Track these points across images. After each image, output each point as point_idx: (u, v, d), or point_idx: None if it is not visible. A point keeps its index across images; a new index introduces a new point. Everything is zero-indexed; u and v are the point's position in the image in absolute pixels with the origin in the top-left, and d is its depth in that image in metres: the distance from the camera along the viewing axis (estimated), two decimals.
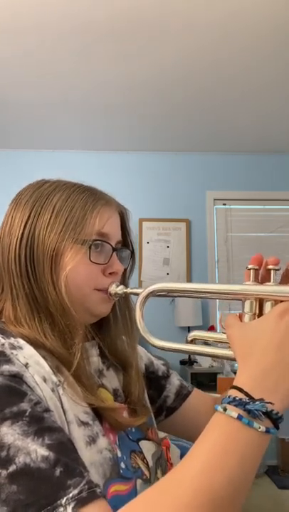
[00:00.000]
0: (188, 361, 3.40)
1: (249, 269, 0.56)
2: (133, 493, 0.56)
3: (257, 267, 0.56)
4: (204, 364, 3.32)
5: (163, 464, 0.70)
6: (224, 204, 3.88)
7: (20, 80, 2.77)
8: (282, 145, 3.77)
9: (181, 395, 0.81)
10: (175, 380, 0.82)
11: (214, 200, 3.86)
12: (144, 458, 0.64)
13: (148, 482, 0.61)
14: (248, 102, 3.06)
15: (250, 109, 3.17)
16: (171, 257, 3.76)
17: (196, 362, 3.41)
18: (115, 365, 0.72)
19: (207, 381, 3.38)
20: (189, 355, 3.30)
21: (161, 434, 0.84)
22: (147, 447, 0.66)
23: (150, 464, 0.65)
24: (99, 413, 0.59)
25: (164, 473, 0.68)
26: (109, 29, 2.29)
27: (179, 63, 2.60)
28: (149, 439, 0.68)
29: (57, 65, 2.60)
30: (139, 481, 0.59)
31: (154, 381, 0.81)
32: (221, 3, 2.10)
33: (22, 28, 2.27)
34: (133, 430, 0.66)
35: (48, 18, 2.20)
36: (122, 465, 0.58)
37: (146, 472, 0.62)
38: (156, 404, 0.80)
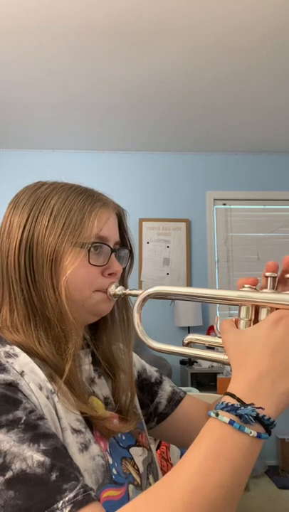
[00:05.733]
0: (188, 361, 3.40)
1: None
2: (125, 499, 0.57)
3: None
4: (204, 364, 3.32)
5: (154, 470, 0.70)
6: (224, 204, 3.88)
7: (21, 79, 2.77)
8: (282, 145, 3.77)
9: (173, 401, 0.81)
10: (167, 387, 0.83)
11: (214, 200, 3.86)
12: (135, 464, 0.65)
13: (139, 488, 0.62)
14: (248, 102, 3.06)
15: (250, 109, 3.17)
16: (171, 257, 3.76)
17: (196, 362, 3.41)
18: (107, 373, 0.72)
19: (207, 381, 3.39)
20: None
21: None
22: (138, 454, 0.67)
23: (141, 470, 0.65)
24: (90, 421, 0.60)
25: (155, 478, 0.69)
26: (109, 29, 2.29)
27: (179, 63, 2.60)
28: (139, 446, 0.69)
29: (57, 65, 2.61)
30: (130, 487, 0.60)
31: (147, 387, 0.82)
32: (219, 4, 2.10)
33: (22, 28, 2.27)
34: (124, 438, 0.67)
35: (48, 19, 2.20)
36: (114, 471, 0.59)
37: (138, 478, 0.63)
38: (149, 411, 0.80)
